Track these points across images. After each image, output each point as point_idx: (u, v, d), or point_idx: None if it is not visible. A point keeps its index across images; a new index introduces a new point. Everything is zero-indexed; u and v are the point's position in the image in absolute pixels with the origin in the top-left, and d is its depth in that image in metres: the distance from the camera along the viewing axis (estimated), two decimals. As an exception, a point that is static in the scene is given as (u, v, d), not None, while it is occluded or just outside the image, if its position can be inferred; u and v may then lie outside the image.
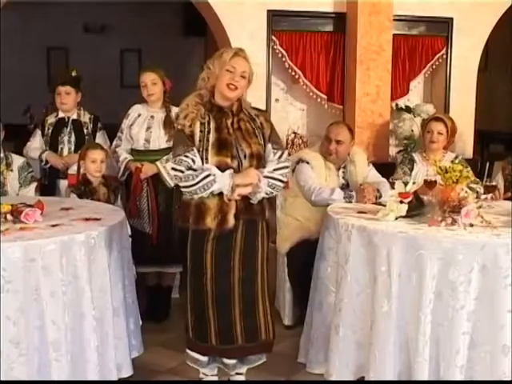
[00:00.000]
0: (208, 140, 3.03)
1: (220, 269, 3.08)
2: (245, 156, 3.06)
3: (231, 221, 3.04)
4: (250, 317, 3.13)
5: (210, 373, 3.30)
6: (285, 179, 3.15)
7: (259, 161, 3.10)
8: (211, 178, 2.97)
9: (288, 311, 4.30)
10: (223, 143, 3.04)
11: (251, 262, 3.12)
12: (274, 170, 3.10)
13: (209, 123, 3.07)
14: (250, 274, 3.12)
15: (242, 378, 3.31)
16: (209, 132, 3.05)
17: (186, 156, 3.00)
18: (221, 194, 3.01)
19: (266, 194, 3.09)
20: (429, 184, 3.71)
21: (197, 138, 3.04)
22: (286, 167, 3.16)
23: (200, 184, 2.98)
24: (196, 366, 3.28)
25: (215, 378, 3.32)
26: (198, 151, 3.03)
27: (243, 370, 3.30)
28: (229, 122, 3.09)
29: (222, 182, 2.98)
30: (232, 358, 3.21)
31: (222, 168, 3.01)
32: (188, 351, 3.25)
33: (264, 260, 3.17)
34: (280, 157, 3.14)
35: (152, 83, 4.33)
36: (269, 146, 3.15)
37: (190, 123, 3.04)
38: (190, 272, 3.15)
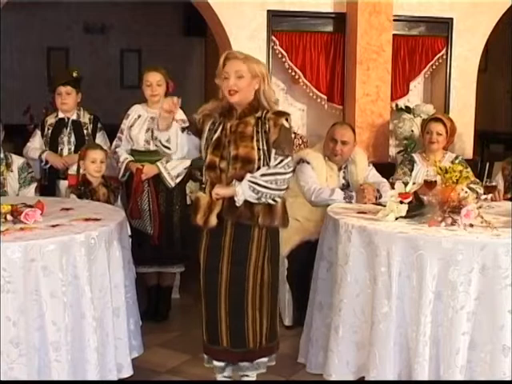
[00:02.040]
0: (212, 139, 3.14)
1: (209, 266, 3.17)
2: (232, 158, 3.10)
3: (213, 220, 3.11)
4: (236, 322, 3.14)
5: (221, 374, 3.28)
6: (273, 186, 3.07)
7: (246, 164, 3.07)
8: None
9: (288, 312, 4.30)
10: (217, 144, 3.13)
11: (241, 266, 3.13)
12: (262, 175, 3.06)
13: (219, 124, 3.16)
14: (239, 279, 3.13)
15: (248, 378, 3.29)
16: (215, 132, 3.15)
17: None
18: (211, 193, 3.11)
19: (252, 198, 3.07)
20: (429, 184, 3.71)
21: (204, 136, 3.17)
22: (279, 174, 3.08)
23: None
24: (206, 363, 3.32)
25: (226, 379, 3.30)
26: (204, 149, 3.18)
27: (253, 373, 3.28)
28: (229, 124, 3.13)
29: None
30: (217, 360, 3.22)
31: (212, 167, 3.11)
32: None
33: (259, 267, 3.14)
34: (278, 163, 3.09)
35: (157, 84, 4.34)
36: (273, 151, 3.11)
37: (199, 118, 3.19)
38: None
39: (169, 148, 3.25)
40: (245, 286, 3.13)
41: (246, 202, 3.07)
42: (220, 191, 3.08)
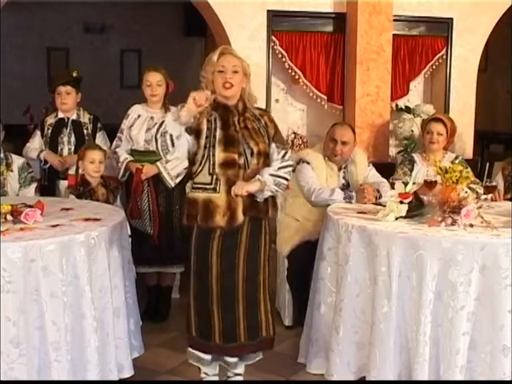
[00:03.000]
0: (215, 137, 3.07)
1: (225, 266, 3.09)
2: (251, 154, 3.10)
3: (240, 217, 3.08)
4: (252, 315, 3.15)
5: (211, 372, 3.29)
6: (289, 177, 3.21)
7: (266, 159, 3.15)
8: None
9: (288, 312, 4.30)
10: (230, 140, 3.08)
11: (255, 259, 3.15)
12: (280, 168, 3.15)
13: (215, 121, 3.10)
14: (254, 272, 3.14)
15: (240, 378, 3.31)
16: (216, 129, 3.09)
17: None
18: (228, 192, 3.04)
19: (271, 192, 3.13)
20: (429, 184, 3.71)
21: (203, 135, 3.08)
22: (290, 166, 3.23)
23: None
24: (199, 364, 3.27)
25: (216, 378, 3.31)
26: (205, 147, 3.07)
27: (241, 370, 3.29)
28: (235, 119, 3.13)
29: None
30: (234, 356, 3.22)
31: (230, 164, 3.05)
32: (190, 350, 3.25)
33: (266, 258, 3.20)
34: (284, 156, 3.19)
35: (157, 84, 4.34)
36: (273, 145, 3.19)
37: (198, 116, 3.05)
38: (194, 270, 3.15)
39: (173, 145, 3.11)
40: (257, 280, 3.15)
41: None
42: (250, 188, 3.05)
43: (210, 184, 3.07)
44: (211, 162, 3.06)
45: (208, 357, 3.23)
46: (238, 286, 3.10)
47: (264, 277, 3.18)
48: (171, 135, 3.10)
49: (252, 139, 3.10)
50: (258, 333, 3.17)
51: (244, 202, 3.08)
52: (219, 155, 3.05)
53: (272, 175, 3.11)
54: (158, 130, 4.27)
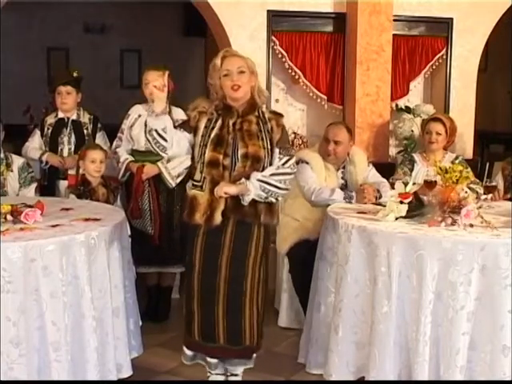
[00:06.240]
0: (209, 136, 3.10)
1: (206, 265, 3.13)
2: (238, 156, 3.09)
3: (218, 218, 3.08)
4: (234, 319, 3.14)
5: (214, 371, 3.29)
6: (282, 186, 3.13)
7: (255, 163, 3.10)
8: None
9: (286, 312, 4.25)
10: (220, 140, 3.10)
11: (241, 264, 3.13)
12: (271, 174, 3.11)
13: (216, 121, 3.13)
14: (238, 277, 3.13)
15: (238, 378, 3.30)
16: (212, 129, 3.12)
17: None
18: (212, 191, 3.07)
19: (259, 197, 3.10)
20: (429, 184, 3.71)
21: (200, 133, 3.13)
22: (287, 174, 3.16)
23: None
24: (183, 359, 3.31)
25: (220, 378, 3.29)
26: (199, 146, 3.12)
27: (239, 371, 3.29)
28: (231, 121, 3.13)
29: None
30: (212, 357, 3.22)
31: (214, 164, 3.08)
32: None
33: (257, 265, 3.16)
34: (285, 163, 3.15)
35: None
36: (276, 150, 3.16)
37: (195, 115, 3.13)
38: (186, 264, 3.28)
39: (165, 139, 3.14)
40: (243, 284, 3.14)
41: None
42: (229, 190, 3.05)
43: (199, 182, 3.13)
44: (202, 161, 3.11)
45: (189, 352, 3.27)
46: (219, 287, 3.12)
47: (252, 283, 3.15)
48: (156, 130, 3.15)
49: (242, 141, 3.09)
50: (240, 339, 3.16)
51: (227, 203, 3.09)
52: (207, 154, 3.09)
53: (260, 180, 3.07)
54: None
